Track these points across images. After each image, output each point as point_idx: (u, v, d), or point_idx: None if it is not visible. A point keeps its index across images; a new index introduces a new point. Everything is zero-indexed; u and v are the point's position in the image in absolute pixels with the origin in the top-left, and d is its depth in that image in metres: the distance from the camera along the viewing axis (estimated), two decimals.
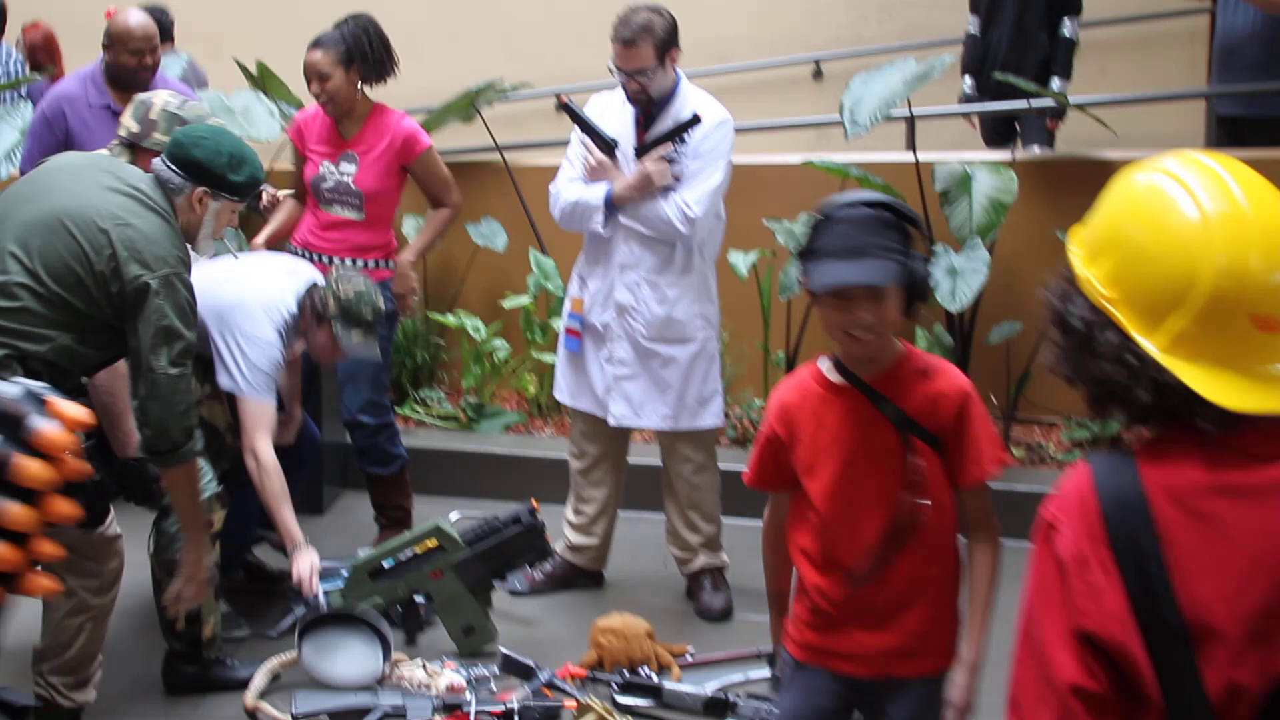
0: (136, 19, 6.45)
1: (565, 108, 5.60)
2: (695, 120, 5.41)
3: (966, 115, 8.14)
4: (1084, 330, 2.06)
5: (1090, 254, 2.07)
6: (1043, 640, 2.02)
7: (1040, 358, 5.81)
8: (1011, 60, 7.90)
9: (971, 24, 8.11)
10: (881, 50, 9.41)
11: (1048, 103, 7.40)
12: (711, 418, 5.69)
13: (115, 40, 6.40)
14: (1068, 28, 7.95)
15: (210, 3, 10.16)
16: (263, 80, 7.94)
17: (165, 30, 7.06)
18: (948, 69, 6.86)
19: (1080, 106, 7.51)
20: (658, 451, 5.87)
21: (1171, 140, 8.06)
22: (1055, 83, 7.82)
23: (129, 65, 6.40)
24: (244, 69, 7.97)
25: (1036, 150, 8.00)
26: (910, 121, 7.52)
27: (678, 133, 5.42)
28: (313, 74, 5.99)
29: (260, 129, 7.42)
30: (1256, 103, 7.47)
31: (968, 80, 8.12)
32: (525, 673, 4.88)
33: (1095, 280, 2.04)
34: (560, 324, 5.87)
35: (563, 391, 5.85)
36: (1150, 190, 2.03)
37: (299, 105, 8.03)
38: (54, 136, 6.35)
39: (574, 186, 5.56)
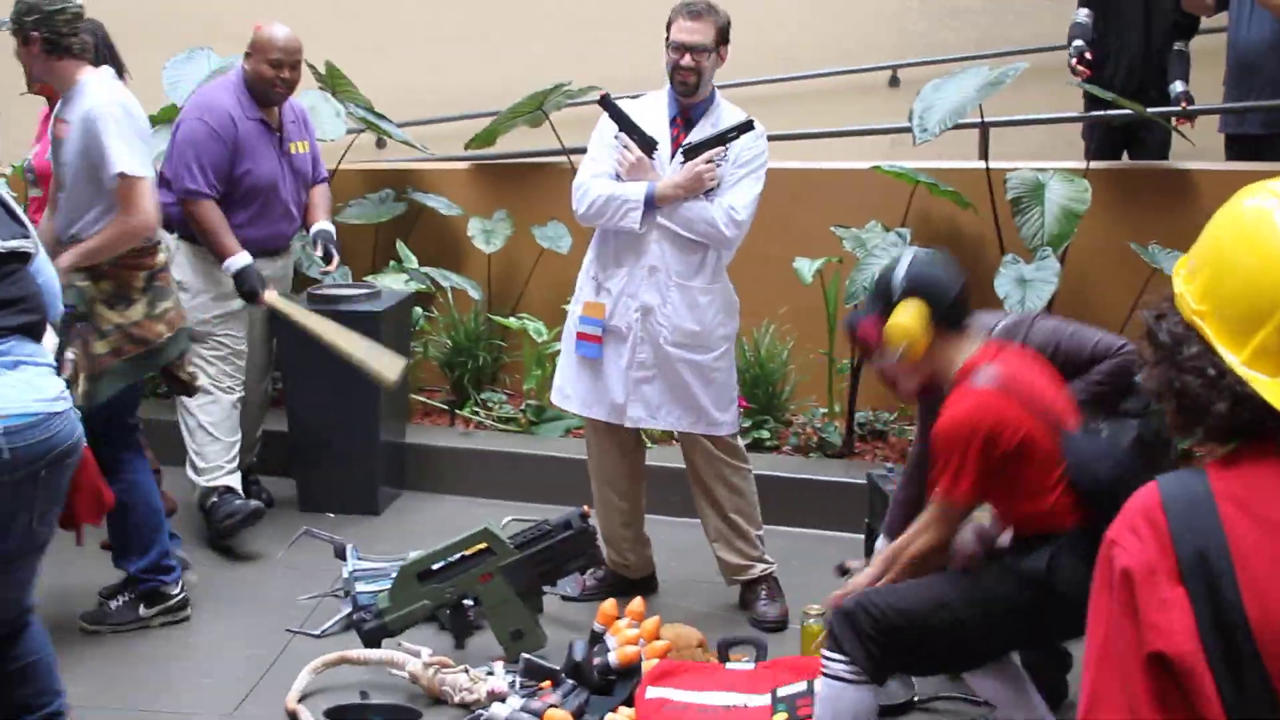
0: (281, 31, 6.32)
1: (605, 103, 5.53)
2: (749, 125, 5.38)
3: (1073, 70, 7.88)
4: (1171, 344, 2.00)
5: (1190, 272, 2.01)
6: (1115, 671, 1.92)
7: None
8: (1137, 71, 7.71)
9: (1082, 14, 7.84)
10: (959, 58, 9.28)
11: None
12: (729, 426, 5.64)
13: (255, 49, 6.28)
14: (1180, 45, 7.71)
15: (282, 5, 10.18)
16: (331, 81, 7.92)
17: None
18: (1021, 76, 6.76)
19: (1156, 117, 7.38)
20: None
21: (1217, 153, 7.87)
22: (1179, 85, 7.59)
23: (265, 76, 6.26)
24: (313, 69, 7.95)
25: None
26: (983, 129, 7.39)
27: (731, 135, 5.38)
28: None
29: (326, 129, 7.40)
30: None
31: (1078, 42, 7.82)
32: (550, 676, 4.82)
33: (1189, 295, 1.99)
34: (569, 328, 5.74)
35: (571, 400, 5.73)
36: (1254, 210, 1.97)
37: (369, 106, 8.01)
38: (224, 148, 6.19)
39: (606, 182, 5.46)
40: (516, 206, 8.02)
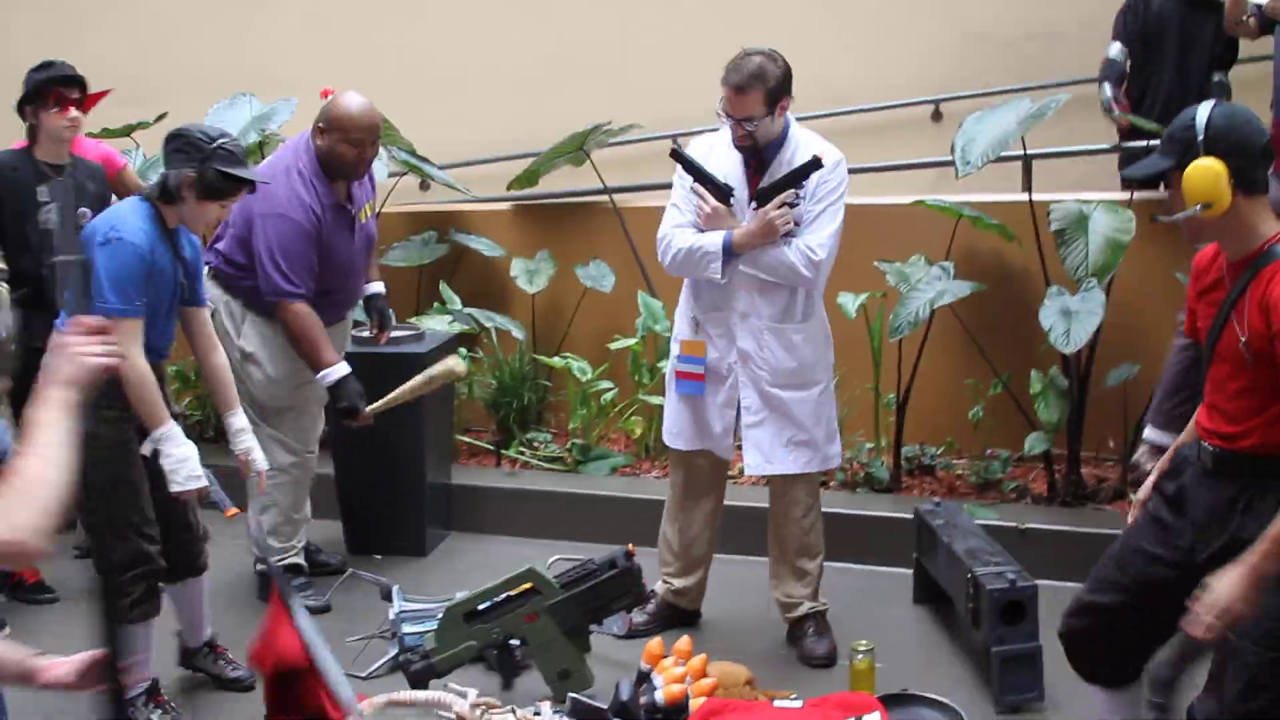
0: (358, 104, 5.85)
1: (677, 155, 5.48)
2: (816, 164, 5.28)
3: (1109, 114, 7.82)
4: None
5: None
6: None
7: None
8: (1174, 104, 7.64)
9: (1115, 50, 7.80)
10: (1002, 90, 9.25)
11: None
12: (838, 456, 5.68)
13: (331, 125, 5.80)
14: (1220, 75, 7.63)
15: (323, 51, 10.26)
16: None
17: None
18: (1064, 108, 6.73)
19: None
20: (753, 494, 5.78)
21: None
22: None
23: (345, 157, 5.83)
24: None
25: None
26: (1026, 161, 7.36)
27: (799, 177, 5.30)
28: None
29: None
30: None
31: (1108, 89, 7.76)
32: (597, 716, 4.79)
33: None
34: (670, 368, 5.75)
35: (680, 438, 5.70)
36: None
37: (411, 150, 8.03)
38: (311, 245, 5.83)
39: (686, 233, 5.43)
40: (559, 247, 8.04)
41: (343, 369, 5.84)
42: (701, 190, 5.41)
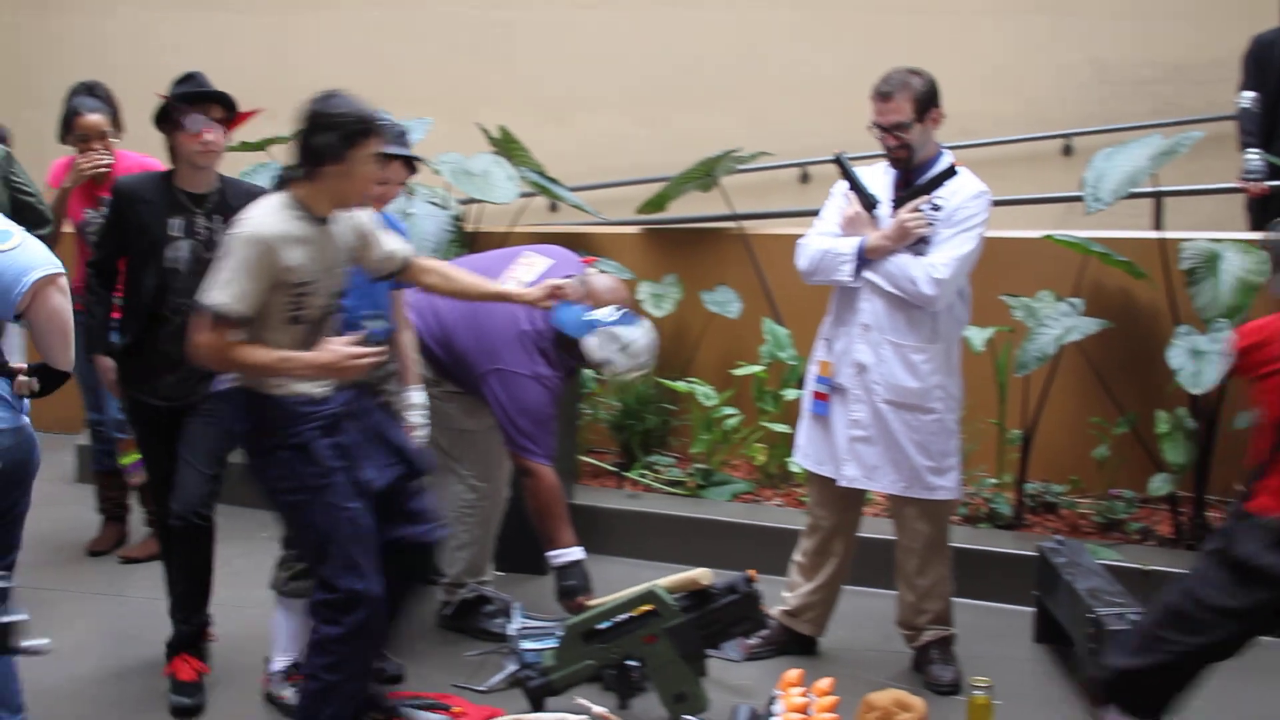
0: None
1: (838, 161, 5.61)
2: (951, 171, 5.39)
3: (1244, 189, 7.75)
4: None
5: None
6: None
7: None
8: None
9: (1246, 100, 7.75)
10: (1133, 126, 9.19)
11: None
12: (946, 490, 5.58)
13: None
14: None
15: (456, 71, 10.39)
16: (505, 145, 8.04)
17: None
18: (1196, 145, 6.68)
19: None
20: (887, 526, 5.78)
21: None
22: None
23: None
24: (486, 133, 8.07)
25: None
26: (1157, 198, 7.31)
27: (934, 185, 5.39)
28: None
29: (498, 193, 7.47)
30: None
31: (1254, 154, 7.71)
32: None
33: None
34: (806, 388, 5.81)
35: (807, 457, 5.78)
36: None
37: (541, 170, 8.11)
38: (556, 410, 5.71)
39: (825, 237, 5.55)
40: (686, 271, 8.08)
41: (580, 552, 5.62)
42: (850, 195, 5.53)
